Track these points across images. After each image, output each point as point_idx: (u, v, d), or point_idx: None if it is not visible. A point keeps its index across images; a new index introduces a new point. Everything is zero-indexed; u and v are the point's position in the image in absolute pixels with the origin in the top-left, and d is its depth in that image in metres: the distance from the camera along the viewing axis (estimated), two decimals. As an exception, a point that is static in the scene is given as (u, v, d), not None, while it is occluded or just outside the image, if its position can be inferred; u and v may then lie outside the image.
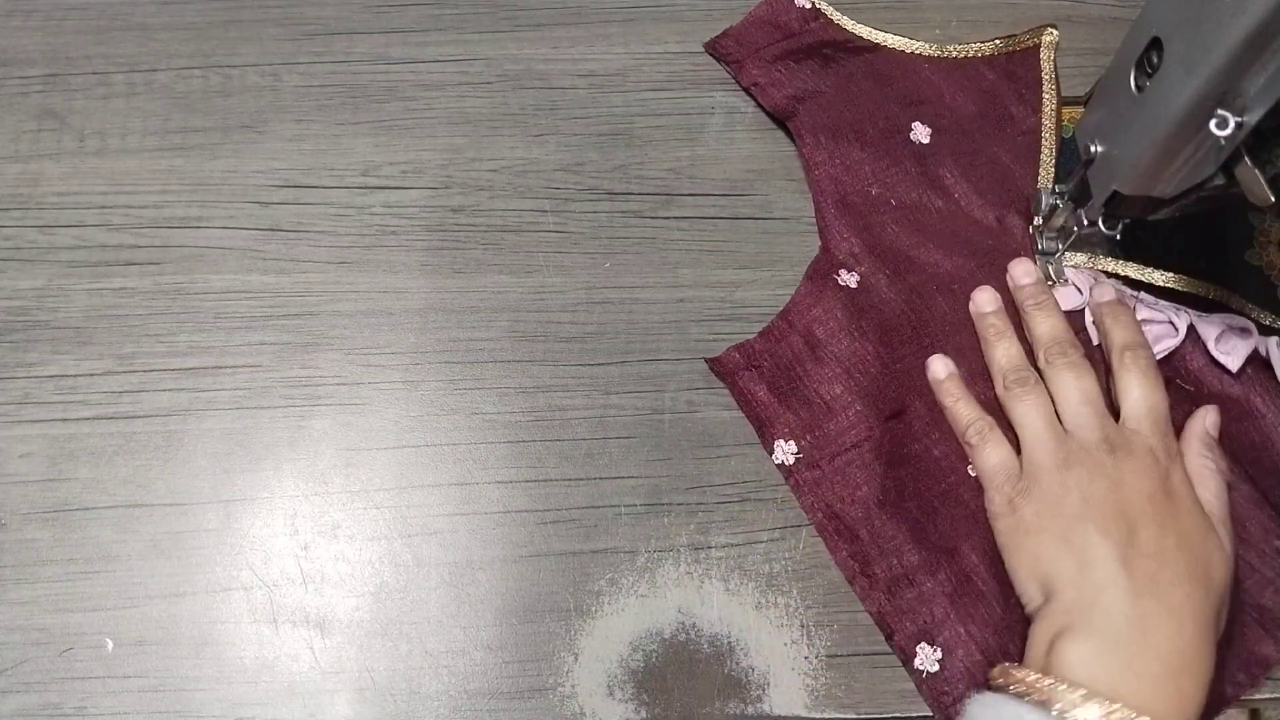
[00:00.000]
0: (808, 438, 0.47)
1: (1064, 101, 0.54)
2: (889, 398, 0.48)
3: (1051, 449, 0.45)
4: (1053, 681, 0.39)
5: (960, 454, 0.47)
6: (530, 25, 0.57)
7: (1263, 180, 0.39)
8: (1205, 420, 0.46)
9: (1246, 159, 0.39)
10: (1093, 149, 0.45)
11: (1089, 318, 0.49)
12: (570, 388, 0.49)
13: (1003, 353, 0.48)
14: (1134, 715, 0.37)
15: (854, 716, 0.44)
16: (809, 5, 0.56)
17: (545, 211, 0.53)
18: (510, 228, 0.52)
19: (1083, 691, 0.38)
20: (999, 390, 0.47)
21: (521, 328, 0.50)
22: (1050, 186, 0.51)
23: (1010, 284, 0.50)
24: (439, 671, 0.45)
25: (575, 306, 0.51)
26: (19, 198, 0.53)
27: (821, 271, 0.50)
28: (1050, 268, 0.50)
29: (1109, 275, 0.50)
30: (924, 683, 0.44)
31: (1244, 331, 0.48)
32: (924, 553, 0.45)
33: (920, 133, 0.53)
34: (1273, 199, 0.39)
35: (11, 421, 0.48)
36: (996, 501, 0.45)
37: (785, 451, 0.47)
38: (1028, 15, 0.57)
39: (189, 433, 0.48)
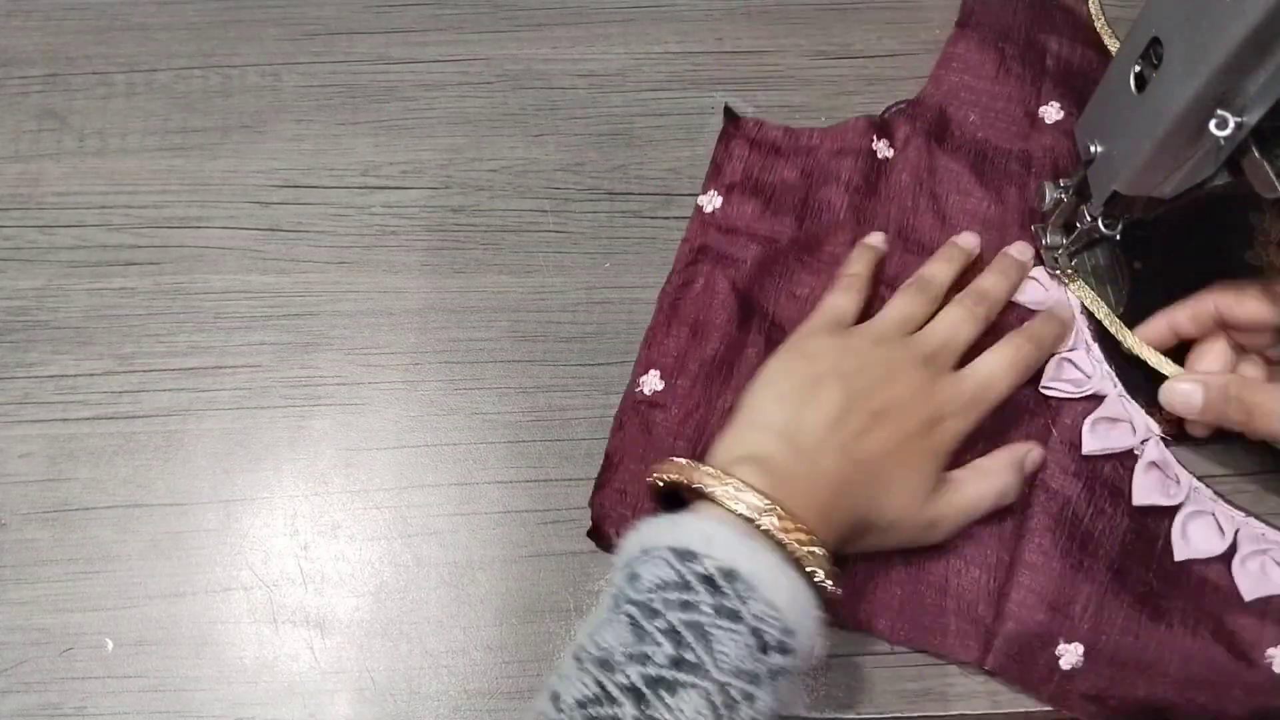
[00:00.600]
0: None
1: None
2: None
3: (882, 328, 0.46)
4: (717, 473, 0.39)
5: None
6: (530, 25, 0.57)
7: (1271, 173, 0.39)
8: (1032, 452, 0.46)
9: (1255, 151, 0.39)
10: (1093, 149, 0.45)
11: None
12: (570, 388, 0.49)
13: (935, 267, 0.49)
14: (788, 519, 0.38)
15: (854, 716, 0.44)
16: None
17: (545, 211, 0.53)
18: (510, 228, 0.52)
19: (744, 487, 0.38)
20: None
21: (521, 328, 0.50)
22: (1054, 180, 0.51)
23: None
24: (439, 671, 0.45)
25: (575, 306, 0.51)
26: (19, 198, 0.53)
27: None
28: (1056, 260, 0.50)
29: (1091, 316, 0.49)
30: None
31: (1122, 428, 0.47)
32: None
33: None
34: None
35: (11, 421, 0.48)
36: (805, 325, 0.47)
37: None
38: (1028, 15, 0.57)
39: (189, 433, 0.48)
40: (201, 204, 0.53)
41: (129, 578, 0.46)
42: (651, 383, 0.48)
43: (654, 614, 0.35)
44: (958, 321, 0.47)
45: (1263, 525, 0.45)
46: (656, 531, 0.38)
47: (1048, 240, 0.50)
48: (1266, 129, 0.39)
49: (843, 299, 0.47)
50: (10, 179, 0.53)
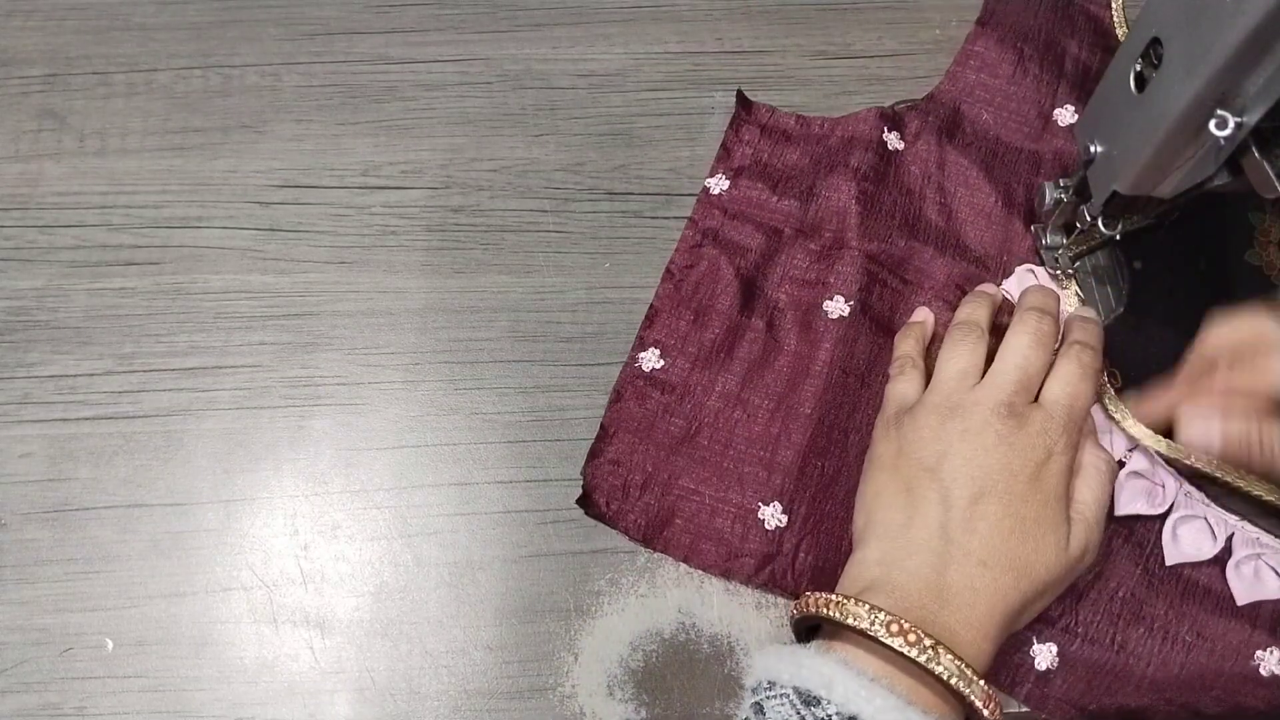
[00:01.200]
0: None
1: None
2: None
3: (947, 392, 0.44)
4: (851, 601, 0.39)
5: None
6: (530, 25, 0.57)
7: (1271, 173, 0.39)
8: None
9: (1255, 151, 0.39)
10: (1093, 149, 0.45)
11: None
12: (570, 388, 0.49)
13: (968, 310, 0.47)
14: (927, 638, 0.37)
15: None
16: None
17: (545, 211, 0.53)
18: (510, 228, 0.52)
19: (880, 612, 0.38)
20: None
21: (521, 328, 0.50)
22: (1055, 180, 0.51)
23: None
24: (439, 671, 0.45)
25: (575, 306, 0.51)
26: (19, 198, 0.53)
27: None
28: (1056, 260, 0.50)
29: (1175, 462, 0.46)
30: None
31: (1214, 536, 0.45)
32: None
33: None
34: None
35: (11, 421, 0.48)
36: (878, 425, 0.46)
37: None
38: (1028, 15, 0.57)
39: (189, 433, 0.48)
40: (201, 204, 0.53)
41: (129, 578, 0.46)
42: (651, 360, 0.48)
43: None
44: (1026, 350, 0.44)
45: (1257, 530, 0.45)
46: (779, 664, 0.38)
47: (1048, 240, 0.50)
48: (1266, 129, 0.39)
49: (902, 384, 0.46)
50: (10, 179, 0.53)
